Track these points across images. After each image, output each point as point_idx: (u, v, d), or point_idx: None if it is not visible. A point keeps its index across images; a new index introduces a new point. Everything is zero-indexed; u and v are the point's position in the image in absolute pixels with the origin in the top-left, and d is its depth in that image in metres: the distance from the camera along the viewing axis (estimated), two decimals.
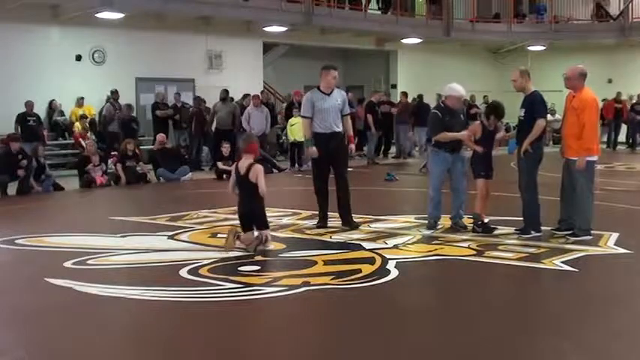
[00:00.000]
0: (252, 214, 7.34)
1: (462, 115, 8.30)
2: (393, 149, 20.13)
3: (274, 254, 7.13)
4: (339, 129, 8.33)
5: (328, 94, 8.30)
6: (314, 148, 8.23)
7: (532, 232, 7.65)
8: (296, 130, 16.56)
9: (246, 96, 17.51)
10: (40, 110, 15.79)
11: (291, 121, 16.77)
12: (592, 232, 7.47)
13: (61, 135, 16.72)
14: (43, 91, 15.98)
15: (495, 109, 8.03)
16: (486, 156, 7.95)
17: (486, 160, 7.95)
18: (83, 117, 16.39)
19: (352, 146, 9.04)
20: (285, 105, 19.29)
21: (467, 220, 8.09)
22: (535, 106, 7.64)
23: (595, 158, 7.50)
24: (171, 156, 14.80)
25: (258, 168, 7.28)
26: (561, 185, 7.71)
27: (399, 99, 20.79)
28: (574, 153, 7.41)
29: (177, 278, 6.11)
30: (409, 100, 20.16)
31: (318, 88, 8.39)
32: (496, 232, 7.85)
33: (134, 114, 16.70)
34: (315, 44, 21.46)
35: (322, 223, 8.40)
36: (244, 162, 7.35)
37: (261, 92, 18.47)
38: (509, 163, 8.41)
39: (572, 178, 7.49)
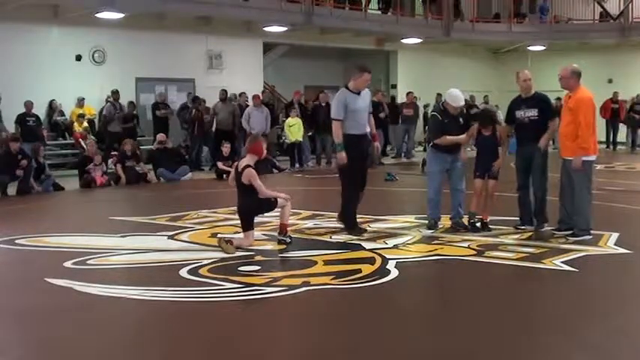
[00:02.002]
0: (249, 212, 7.39)
1: (460, 119, 8.31)
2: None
3: (274, 254, 7.13)
4: (369, 129, 8.08)
5: (358, 94, 7.96)
6: (343, 154, 7.82)
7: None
8: (295, 130, 16.59)
9: (241, 94, 17.50)
10: (40, 110, 15.78)
11: (290, 121, 16.76)
12: (592, 232, 7.47)
13: (61, 135, 16.70)
14: (43, 91, 15.96)
15: (480, 117, 8.35)
16: (482, 157, 7.99)
17: (482, 161, 7.97)
18: (80, 116, 16.38)
19: (377, 144, 8.88)
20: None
21: (467, 220, 8.09)
22: (550, 105, 7.85)
23: (593, 158, 7.48)
24: (171, 156, 14.81)
25: (250, 173, 7.29)
26: (560, 185, 7.72)
27: (400, 99, 20.83)
28: (571, 153, 7.41)
29: (177, 278, 6.11)
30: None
31: (347, 87, 7.99)
32: (487, 232, 7.87)
33: (135, 112, 16.69)
34: (315, 44, 21.45)
35: (358, 231, 8.00)
36: (243, 161, 7.43)
37: (262, 92, 18.49)
38: (510, 163, 8.40)
39: (570, 178, 7.49)
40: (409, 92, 20.28)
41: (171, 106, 17.35)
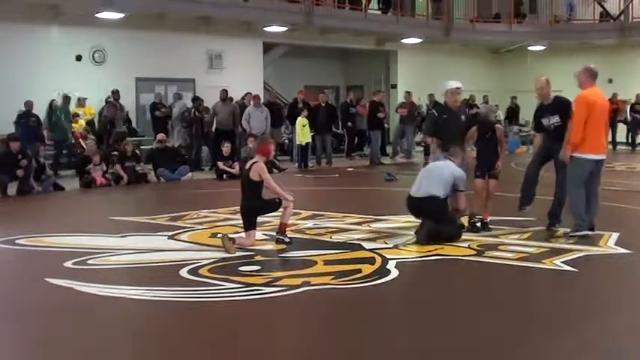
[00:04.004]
0: (252, 212, 7.39)
1: (462, 116, 8.32)
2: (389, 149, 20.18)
3: (274, 254, 7.13)
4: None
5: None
6: None
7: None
8: (307, 131, 16.61)
9: (247, 94, 17.51)
10: (41, 110, 15.76)
11: (302, 121, 16.71)
12: (586, 229, 7.49)
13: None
14: (43, 91, 15.95)
15: (481, 122, 8.28)
16: (482, 157, 8.00)
17: (483, 161, 7.99)
18: (75, 115, 16.36)
19: None
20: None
21: (467, 220, 8.09)
22: (568, 108, 7.78)
23: (588, 157, 7.47)
24: (171, 155, 14.80)
25: (259, 167, 7.33)
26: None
27: (400, 99, 20.83)
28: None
29: (177, 278, 6.11)
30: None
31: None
32: (487, 232, 7.87)
33: (124, 113, 16.59)
34: (315, 44, 21.45)
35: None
36: (251, 160, 7.51)
37: (270, 93, 18.45)
38: (510, 163, 8.41)
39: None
40: (406, 92, 20.36)
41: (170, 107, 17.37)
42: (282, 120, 18.34)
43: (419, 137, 21.30)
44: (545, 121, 7.92)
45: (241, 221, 7.55)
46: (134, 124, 17.61)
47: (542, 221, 8.06)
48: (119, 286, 5.89)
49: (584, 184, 7.53)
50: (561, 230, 7.80)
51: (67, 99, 15.57)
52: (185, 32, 18.06)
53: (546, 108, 7.94)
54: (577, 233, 7.46)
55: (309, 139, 16.80)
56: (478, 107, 21.19)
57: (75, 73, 16.67)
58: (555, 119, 7.80)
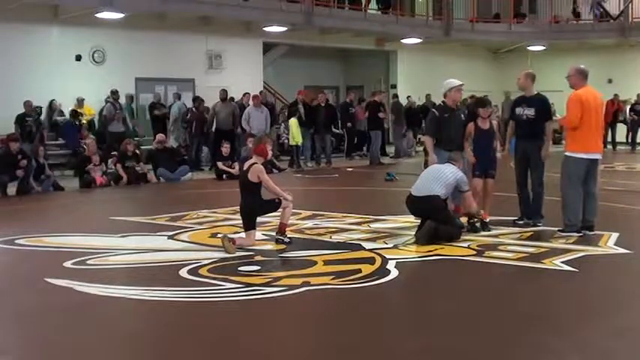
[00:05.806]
0: (251, 212, 7.39)
1: (462, 115, 8.33)
2: (391, 149, 20.18)
3: (274, 254, 7.13)
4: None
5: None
6: None
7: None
8: (300, 131, 16.63)
9: (245, 94, 17.51)
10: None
11: (296, 122, 16.70)
12: (575, 231, 7.53)
13: (61, 135, 16.67)
14: (43, 92, 15.95)
15: (477, 102, 8.49)
16: (480, 157, 7.99)
17: (480, 161, 7.99)
18: (80, 114, 16.31)
19: None
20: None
21: (466, 220, 8.09)
22: (547, 107, 8.16)
23: (579, 156, 7.51)
24: (171, 155, 14.80)
25: (257, 168, 7.32)
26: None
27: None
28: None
29: (177, 278, 6.11)
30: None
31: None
32: (487, 232, 7.87)
33: (123, 113, 16.61)
34: (315, 44, 21.46)
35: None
36: (249, 161, 7.48)
37: (260, 92, 18.47)
38: (509, 163, 8.42)
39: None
40: (394, 95, 20.49)
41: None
42: (275, 119, 18.31)
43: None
44: (519, 110, 8.22)
45: (241, 221, 7.56)
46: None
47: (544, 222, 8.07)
48: (119, 286, 5.89)
49: (580, 184, 7.54)
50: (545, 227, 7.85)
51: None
52: (185, 32, 18.06)
53: (525, 99, 8.24)
54: (564, 234, 7.55)
55: (301, 140, 16.76)
56: None
57: (75, 73, 16.67)
58: (530, 111, 8.09)
